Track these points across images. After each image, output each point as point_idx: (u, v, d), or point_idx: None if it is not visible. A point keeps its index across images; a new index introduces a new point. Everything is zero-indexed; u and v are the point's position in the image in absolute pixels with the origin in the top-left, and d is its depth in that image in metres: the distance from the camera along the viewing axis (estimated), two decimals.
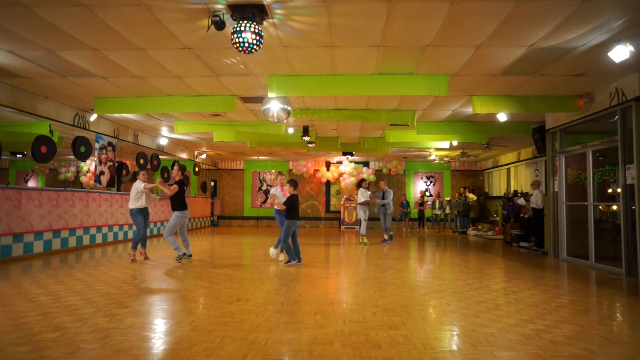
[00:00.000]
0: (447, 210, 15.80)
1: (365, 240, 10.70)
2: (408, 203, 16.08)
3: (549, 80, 6.60)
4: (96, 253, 8.28)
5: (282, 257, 7.34)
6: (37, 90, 7.53)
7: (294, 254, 7.06)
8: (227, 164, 18.65)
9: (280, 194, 7.30)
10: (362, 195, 10.61)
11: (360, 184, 10.85)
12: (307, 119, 9.70)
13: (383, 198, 10.81)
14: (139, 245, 7.44)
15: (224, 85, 7.10)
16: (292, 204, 6.97)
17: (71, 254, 8.01)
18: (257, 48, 4.51)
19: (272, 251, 7.42)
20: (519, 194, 12.03)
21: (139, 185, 7.30)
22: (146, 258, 7.43)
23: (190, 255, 7.52)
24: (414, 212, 16.97)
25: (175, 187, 7.19)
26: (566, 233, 8.35)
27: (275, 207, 7.22)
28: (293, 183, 7.09)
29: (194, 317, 3.89)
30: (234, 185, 18.60)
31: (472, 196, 16.10)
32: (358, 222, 10.96)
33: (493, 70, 6.21)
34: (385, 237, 10.94)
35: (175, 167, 7.50)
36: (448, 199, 16.36)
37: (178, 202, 7.26)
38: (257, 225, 17.54)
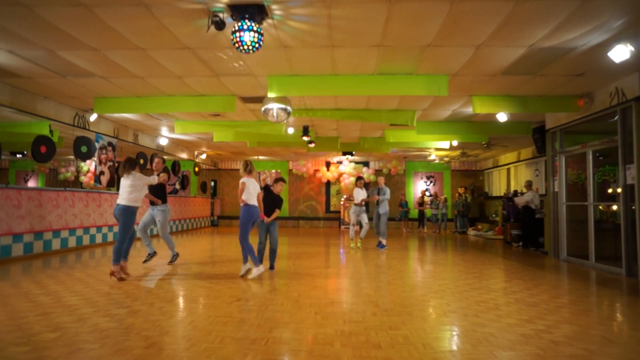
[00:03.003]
0: (444, 210, 15.76)
1: (352, 245, 9.63)
2: (407, 203, 16.07)
3: (549, 80, 6.60)
4: (96, 253, 8.28)
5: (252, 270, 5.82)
6: (37, 90, 7.53)
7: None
8: (227, 164, 18.65)
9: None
10: (357, 195, 9.43)
11: (355, 183, 9.62)
12: (307, 119, 9.70)
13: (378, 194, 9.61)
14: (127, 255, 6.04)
15: (224, 85, 7.10)
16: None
17: (71, 254, 8.01)
18: (258, 48, 4.51)
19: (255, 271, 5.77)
20: (519, 194, 12.04)
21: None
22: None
23: (155, 253, 6.95)
24: (414, 212, 16.97)
25: (164, 175, 6.54)
26: (566, 233, 8.35)
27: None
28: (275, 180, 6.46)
29: (194, 317, 3.89)
30: (234, 185, 18.57)
31: (466, 196, 16.07)
32: (357, 223, 9.63)
33: (493, 70, 6.21)
34: (382, 241, 9.50)
35: (157, 159, 6.76)
36: (444, 197, 16.35)
37: (162, 195, 6.69)
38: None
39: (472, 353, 3.03)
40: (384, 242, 9.47)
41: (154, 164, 6.81)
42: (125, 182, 5.70)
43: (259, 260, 5.82)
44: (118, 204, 5.66)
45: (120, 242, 5.58)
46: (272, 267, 6.43)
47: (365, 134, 11.76)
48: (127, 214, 5.62)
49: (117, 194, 10.30)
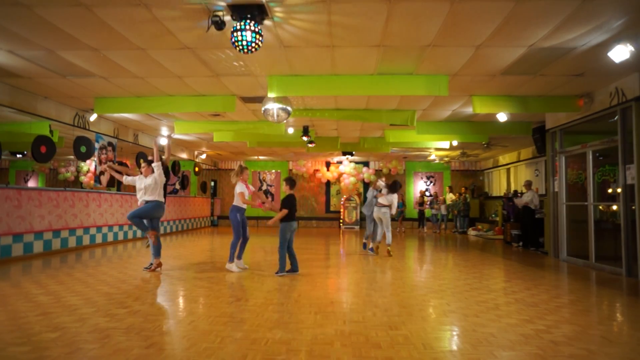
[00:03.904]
0: (444, 211, 15.74)
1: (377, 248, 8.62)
2: (403, 202, 16.08)
3: (549, 80, 6.60)
4: (96, 253, 8.28)
5: (236, 267, 6.33)
6: (37, 90, 7.53)
7: (287, 262, 6.17)
8: (227, 164, 18.64)
9: (245, 190, 6.44)
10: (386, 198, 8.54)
11: (394, 186, 8.59)
12: (307, 119, 9.70)
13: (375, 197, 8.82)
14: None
15: (224, 85, 7.10)
16: (288, 206, 6.10)
17: (71, 254, 8.01)
18: (257, 48, 4.51)
19: (233, 266, 6.33)
20: (519, 194, 12.04)
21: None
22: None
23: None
24: (413, 212, 16.96)
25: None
26: (566, 233, 8.35)
27: (239, 205, 6.38)
28: (290, 182, 6.31)
29: (194, 317, 3.89)
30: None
31: (451, 196, 16.00)
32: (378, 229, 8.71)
33: (493, 70, 6.21)
34: (372, 245, 8.78)
35: (143, 165, 6.45)
36: (443, 197, 16.33)
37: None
38: (257, 225, 17.52)
39: (472, 353, 3.03)
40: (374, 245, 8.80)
41: (142, 169, 6.39)
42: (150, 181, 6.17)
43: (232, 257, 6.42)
44: (161, 202, 6.25)
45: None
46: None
47: (365, 134, 11.76)
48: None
49: (118, 194, 10.42)
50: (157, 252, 6.21)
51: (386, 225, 8.49)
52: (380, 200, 8.53)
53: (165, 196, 6.70)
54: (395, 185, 8.62)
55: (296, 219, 6.23)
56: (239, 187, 6.42)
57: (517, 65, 5.92)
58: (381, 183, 8.81)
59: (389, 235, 8.46)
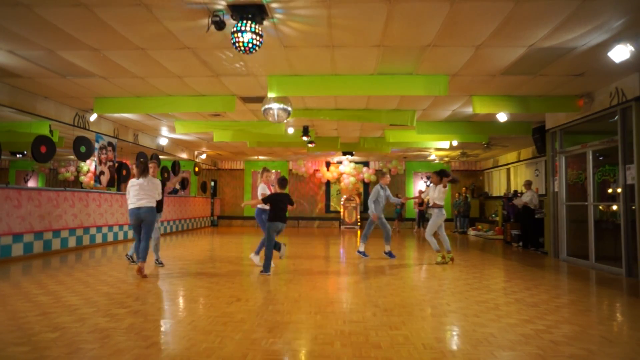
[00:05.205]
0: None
1: (440, 259, 7.44)
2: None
3: (549, 80, 6.60)
4: (96, 253, 8.28)
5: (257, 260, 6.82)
6: (37, 90, 7.53)
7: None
8: (227, 164, 18.65)
9: (267, 191, 6.79)
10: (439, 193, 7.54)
11: (443, 175, 7.51)
12: (307, 119, 9.70)
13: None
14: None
15: (224, 85, 7.10)
16: (271, 202, 6.11)
17: (71, 254, 8.01)
18: (257, 48, 4.51)
19: (254, 258, 6.89)
20: (518, 194, 12.04)
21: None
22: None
23: (161, 263, 6.68)
24: (413, 212, 16.96)
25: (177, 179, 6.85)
26: (566, 233, 8.35)
27: (258, 205, 6.76)
28: (281, 181, 6.36)
29: (194, 317, 3.89)
30: (234, 185, 18.60)
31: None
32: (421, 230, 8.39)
33: (493, 70, 6.21)
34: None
35: (152, 164, 6.52)
36: None
37: (159, 203, 6.55)
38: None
39: (472, 353, 3.03)
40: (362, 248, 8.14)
41: (150, 170, 6.30)
42: (139, 186, 5.83)
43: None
44: (140, 207, 5.79)
45: (147, 240, 5.84)
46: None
47: (365, 134, 11.75)
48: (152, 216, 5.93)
49: (118, 194, 10.42)
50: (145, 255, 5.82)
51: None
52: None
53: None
54: (449, 175, 7.52)
55: (284, 220, 6.15)
56: (260, 189, 6.85)
57: (517, 65, 5.92)
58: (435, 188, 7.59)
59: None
